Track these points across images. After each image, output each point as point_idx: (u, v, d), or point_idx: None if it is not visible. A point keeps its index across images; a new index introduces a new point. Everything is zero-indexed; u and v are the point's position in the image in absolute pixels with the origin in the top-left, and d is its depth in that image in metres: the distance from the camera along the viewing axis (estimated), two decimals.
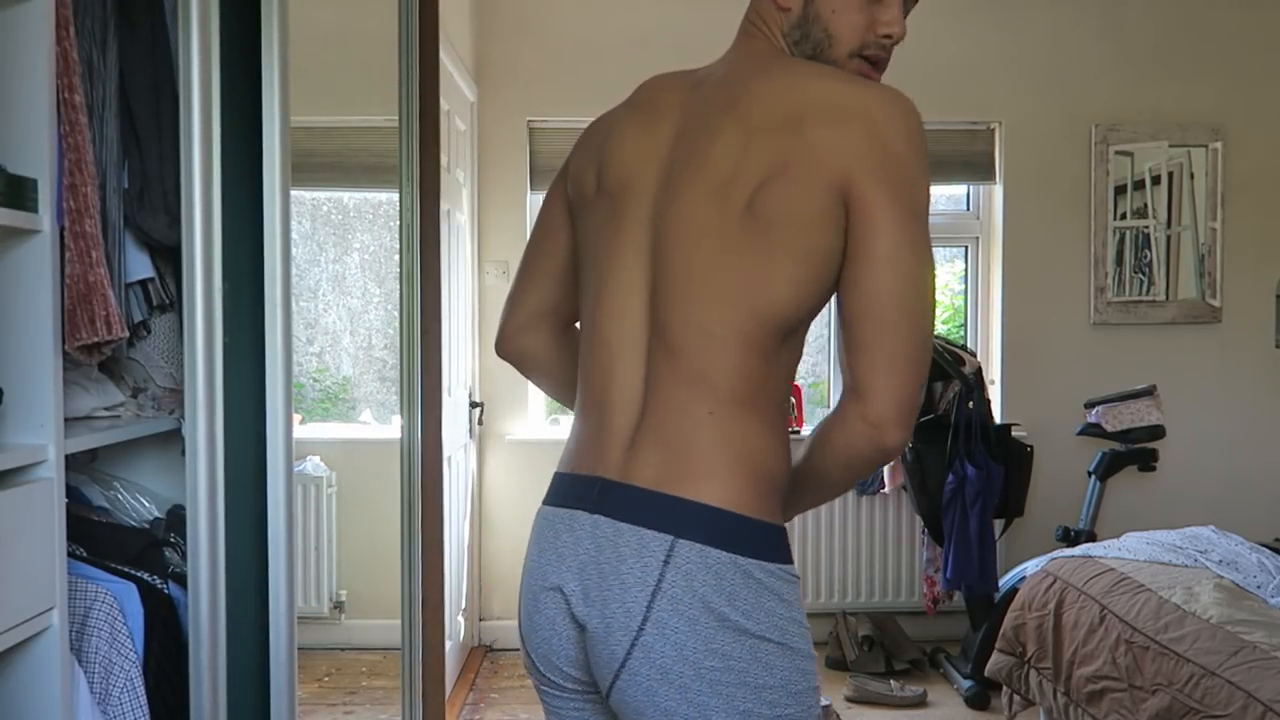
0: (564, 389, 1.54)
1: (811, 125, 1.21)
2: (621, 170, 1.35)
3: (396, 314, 2.64)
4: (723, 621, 1.21)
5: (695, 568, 1.22)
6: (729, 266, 1.25)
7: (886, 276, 1.20)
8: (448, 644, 3.16)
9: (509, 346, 1.53)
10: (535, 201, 4.18)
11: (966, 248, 4.51)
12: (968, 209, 4.53)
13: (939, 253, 4.67)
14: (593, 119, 1.47)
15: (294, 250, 1.80)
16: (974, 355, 3.94)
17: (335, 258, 4.47)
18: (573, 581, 1.27)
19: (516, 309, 1.51)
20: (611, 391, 1.31)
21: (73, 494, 1.78)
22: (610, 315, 1.33)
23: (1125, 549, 3.09)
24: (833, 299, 1.29)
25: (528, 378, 1.60)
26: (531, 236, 1.53)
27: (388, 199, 4.36)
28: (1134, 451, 3.82)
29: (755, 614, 1.22)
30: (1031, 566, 3.35)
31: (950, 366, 3.77)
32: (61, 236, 1.50)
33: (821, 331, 4.50)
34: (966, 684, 3.68)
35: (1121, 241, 4.31)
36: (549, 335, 1.52)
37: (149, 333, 1.90)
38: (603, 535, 1.26)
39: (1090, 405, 3.89)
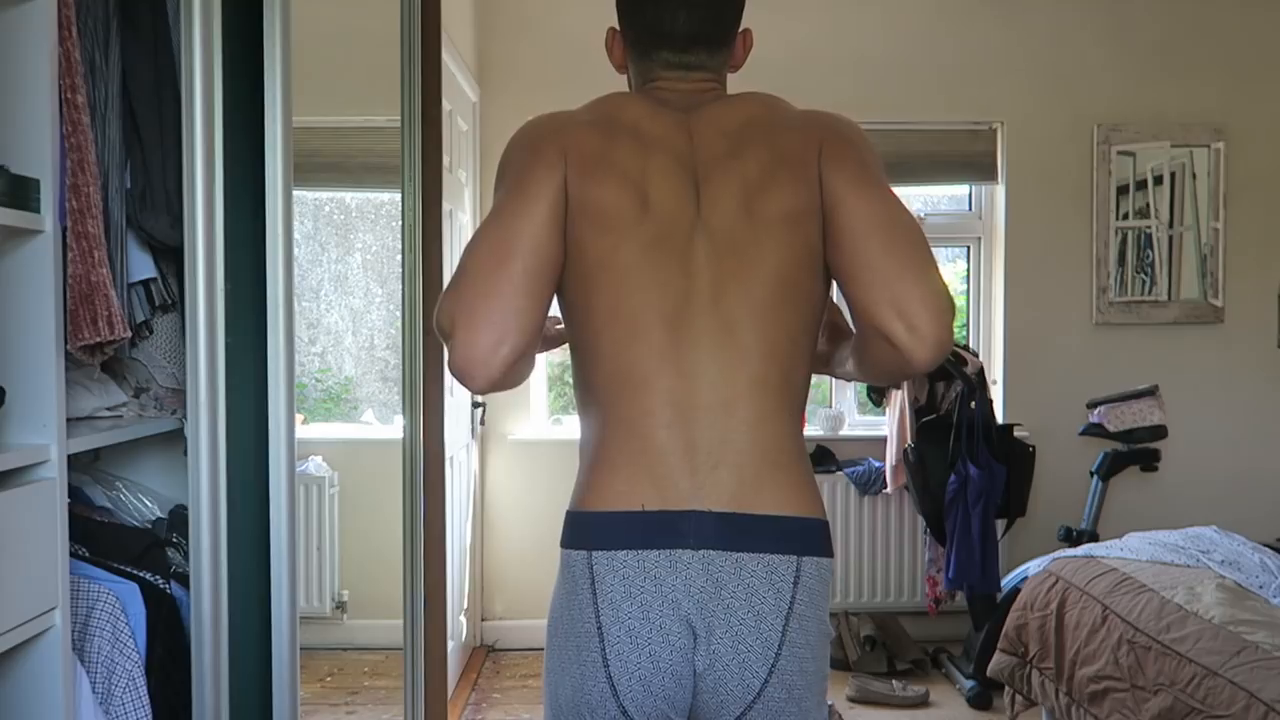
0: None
1: (820, 127, 1.33)
2: (664, 189, 1.30)
3: (399, 314, 2.64)
4: (822, 626, 1.28)
5: (815, 581, 1.26)
6: (794, 277, 1.29)
7: (876, 199, 1.25)
8: (450, 644, 3.16)
9: (494, 375, 1.22)
10: None
11: (969, 248, 4.51)
12: (970, 209, 4.52)
13: (941, 253, 4.67)
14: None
15: (296, 250, 1.80)
16: (976, 355, 3.93)
17: (337, 258, 4.47)
18: (697, 624, 1.23)
19: (496, 328, 1.20)
20: (669, 412, 1.25)
21: (75, 494, 1.78)
22: (659, 335, 1.26)
23: (1127, 549, 3.09)
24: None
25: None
26: (514, 214, 1.24)
27: (390, 199, 4.36)
28: (1136, 452, 3.81)
29: (827, 611, 1.29)
30: (1034, 566, 3.34)
31: (952, 366, 3.77)
32: (64, 236, 1.51)
33: None
34: (969, 684, 3.68)
35: (1124, 241, 4.31)
36: (528, 359, 1.27)
37: (151, 333, 1.90)
38: (720, 570, 1.23)
39: (1092, 405, 3.88)
